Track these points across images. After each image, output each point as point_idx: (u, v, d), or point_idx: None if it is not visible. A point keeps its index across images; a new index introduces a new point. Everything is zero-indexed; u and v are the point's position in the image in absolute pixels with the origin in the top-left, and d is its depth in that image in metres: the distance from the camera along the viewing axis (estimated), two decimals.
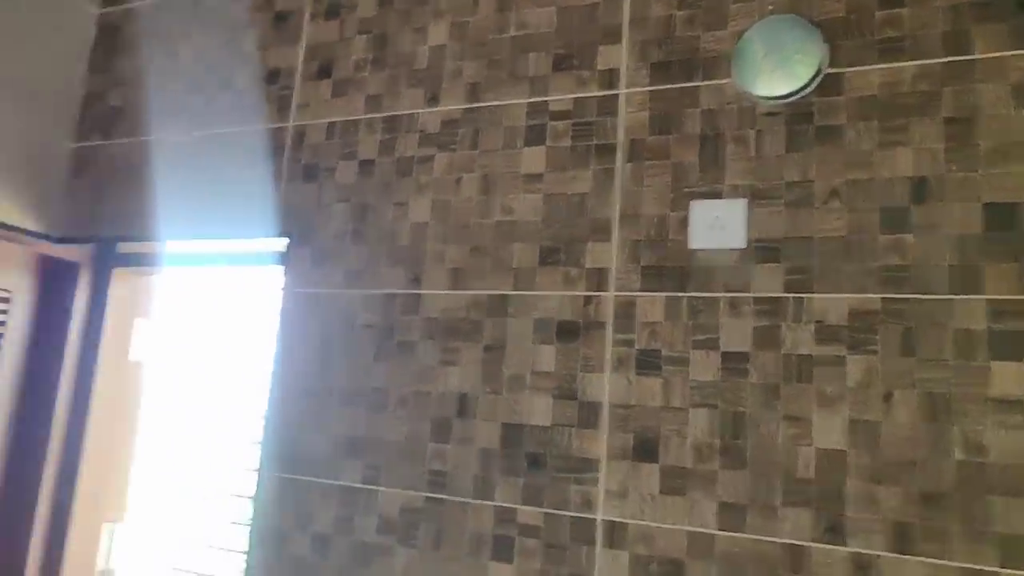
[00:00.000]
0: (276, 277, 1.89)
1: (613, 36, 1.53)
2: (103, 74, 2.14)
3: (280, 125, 1.82)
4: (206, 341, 2.17)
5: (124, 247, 2.12)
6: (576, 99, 1.53)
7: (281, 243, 1.81)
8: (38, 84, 2.08)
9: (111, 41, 2.15)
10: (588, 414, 1.43)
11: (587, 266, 1.47)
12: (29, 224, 2.07)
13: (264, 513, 1.68)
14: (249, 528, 1.71)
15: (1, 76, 2.00)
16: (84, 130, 2.13)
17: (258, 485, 1.70)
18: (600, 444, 1.42)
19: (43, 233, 2.10)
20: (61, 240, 2.11)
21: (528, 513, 1.45)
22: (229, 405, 2.05)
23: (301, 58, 1.82)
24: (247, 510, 1.84)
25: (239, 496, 1.96)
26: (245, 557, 1.72)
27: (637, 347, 1.41)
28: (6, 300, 2.10)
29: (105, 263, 2.15)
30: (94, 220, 2.08)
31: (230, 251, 1.96)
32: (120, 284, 2.17)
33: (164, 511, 2.15)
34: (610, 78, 1.50)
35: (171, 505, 2.12)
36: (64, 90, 2.14)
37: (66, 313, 2.16)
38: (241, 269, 2.00)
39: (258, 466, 1.72)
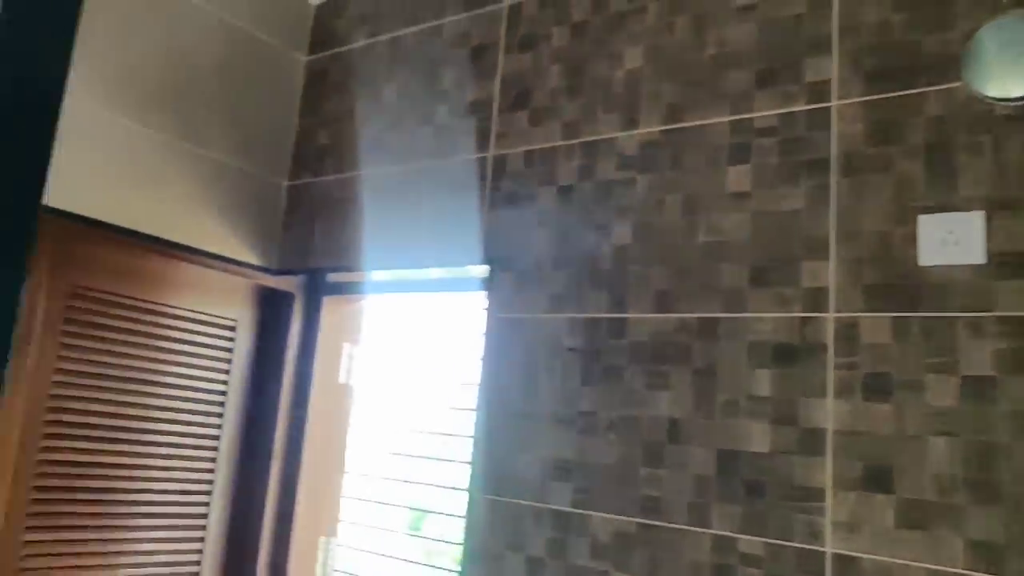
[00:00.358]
0: (480, 302, 1.96)
1: (821, 47, 1.47)
2: (312, 116, 2.30)
3: (480, 155, 1.89)
4: (412, 364, 2.27)
5: (333, 276, 2.27)
6: (782, 115, 1.48)
7: (484, 270, 1.87)
8: (256, 129, 2.28)
9: (319, 85, 2.31)
10: (810, 441, 1.38)
11: (803, 286, 1.41)
12: (251, 259, 2.26)
13: (477, 533, 1.73)
14: (462, 547, 1.77)
15: (225, 125, 2.20)
16: (296, 169, 2.30)
17: (469, 506, 1.76)
18: (825, 473, 1.35)
19: (262, 266, 2.29)
20: (278, 272, 2.28)
21: (749, 542, 1.41)
22: (435, 426, 2.14)
23: (498, 90, 1.88)
24: (453, 528, 1.91)
25: (445, 515, 2.04)
26: (457, 574, 1.78)
27: (863, 370, 1.34)
28: (233, 328, 2.30)
29: (316, 292, 2.31)
30: (306, 252, 2.24)
31: (434, 278, 2.05)
32: (330, 311, 2.32)
33: (374, 527, 2.26)
34: (819, 91, 1.44)
35: (380, 521, 2.24)
36: (278, 133, 2.33)
37: (283, 339, 2.33)
38: (445, 294, 2.08)
39: (468, 487, 1.78)
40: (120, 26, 2.00)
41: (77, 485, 2.05)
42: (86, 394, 2.05)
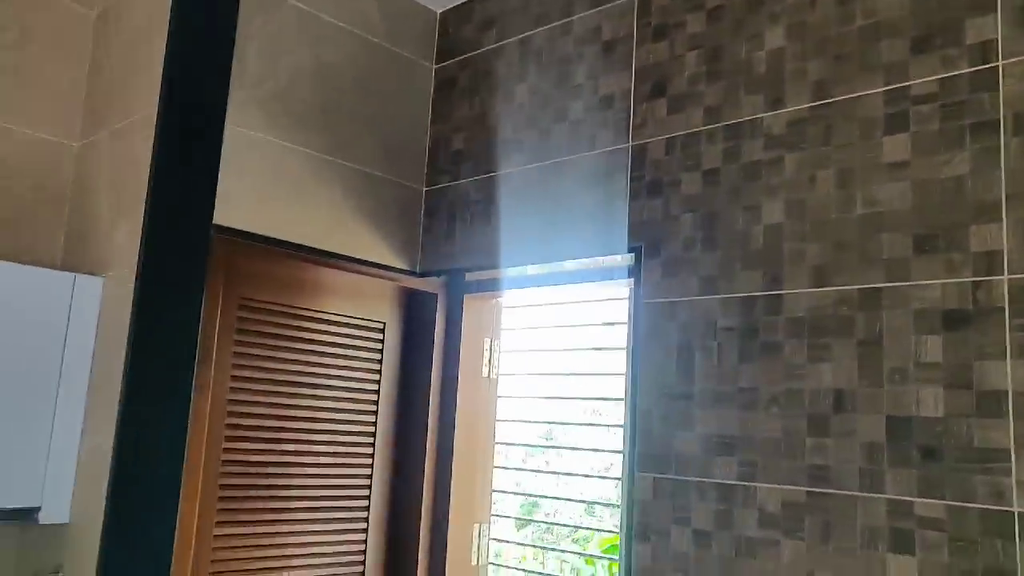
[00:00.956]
0: (623, 290, 2.01)
1: (983, 6, 1.46)
2: (444, 122, 2.41)
3: (619, 147, 1.95)
4: (553, 355, 2.35)
5: (472, 275, 2.37)
6: (942, 79, 1.48)
7: (627, 258, 1.93)
8: (393, 138, 2.40)
9: (449, 91, 2.41)
10: (989, 403, 1.38)
11: (972, 250, 1.41)
12: (395, 263, 2.38)
13: (639, 512, 1.79)
14: (625, 527, 1.83)
15: (365, 136, 2.33)
16: (433, 174, 2.41)
17: (629, 486, 1.82)
18: (1007, 434, 1.36)
19: (406, 269, 2.40)
20: (421, 275, 2.40)
21: (927, 505, 1.43)
22: (579, 414, 2.21)
23: (633, 81, 1.94)
24: (604, 511, 1.98)
25: (595, 501, 2.11)
26: (620, 556, 1.84)
27: None
28: (382, 330, 2.42)
29: (457, 291, 2.42)
30: (446, 254, 2.34)
31: (572, 270, 2.12)
32: (471, 309, 2.42)
33: (524, 512, 2.35)
34: (983, 51, 1.44)
35: (530, 507, 2.33)
36: (413, 140, 2.44)
37: (428, 338, 2.45)
38: (583, 287, 2.15)
39: (626, 468, 1.84)
40: (271, 51, 2.15)
41: (254, 483, 2.21)
42: (257, 398, 2.20)
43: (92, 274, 1.95)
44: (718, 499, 1.68)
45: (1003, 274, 1.38)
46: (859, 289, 1.54)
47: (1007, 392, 1.36)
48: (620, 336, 2.00)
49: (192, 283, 1.95)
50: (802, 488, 1.57)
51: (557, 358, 2.32)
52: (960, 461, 1.40)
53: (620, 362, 1.96)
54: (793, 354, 1.61)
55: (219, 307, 2.11)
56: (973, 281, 1.41)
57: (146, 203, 1.83)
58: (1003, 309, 1.38)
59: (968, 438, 1.40)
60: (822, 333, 1.57)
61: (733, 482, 1.66)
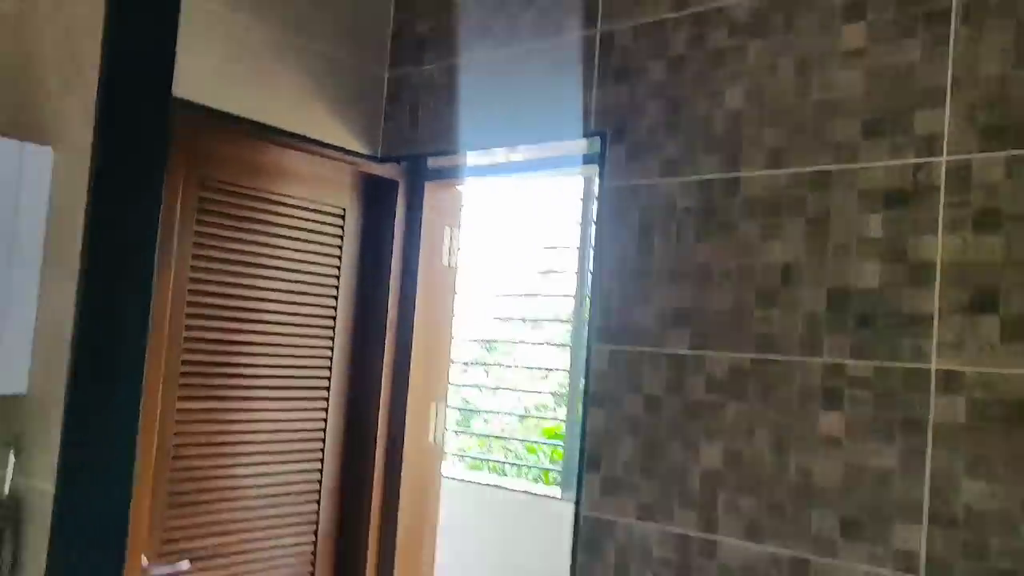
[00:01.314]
0: (584, 177, 2.10)
1: None
2: (409, 6, 2.40)
3: (587, 33, 2.00)
4: (511, 243, 2.44)
5: (434, 162, 2.41)
6: None
7: (591, 145, 2.01)
8: (356, 21, 2.38)
9: None
10: (919, 274, 1.53)
11: (916, 133, 1.54)
12: (357, 147, 2.40)
13: (596, 380, 1.93)
14: (583, 395, 1.97)
15: (330, 19, 2.31)
16: (397, 58, 2.42)
17: (588, 356, 1.95)
18: (932, 301, 1.52)
19: (368, 154, 2.43)
20: (382, 160, 2.43)
21: (858, 366, 1.59)
22: (535, 295, 2.31)
23: None
24: (561, 381, 2.11)
25: (552, 369, 2.24)
26: (580, 421, 1.98)
27: (973, 207, 1.48)
28: (342, 215, 2.46)
29: (419, 178, 2.46)
30: (407, 140, 2.38)
31: (535, 159, 2.19)
32: (432, 196, 2.47)
33: (480, 388, 2.48)
34: None
35: (486, 382, 2.45)
36: (377, 23, 2.44)
37: (389, 225, 2.50)
38: (541, 176, 2.23)
39: (587, 338, 1.97)
40: None
41: (215, 360, 2.25)
42: (219, 278, 2.23)
43: (42, 144, 1.90)
44: (669, 367, 1.82)
45: (942, 155, 1.52)
46: (810, 171, 1.66)
47: (935, 263, 1.52)
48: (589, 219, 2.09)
49: (153, 157, 1.93)
50: (748, 355, 1.72)
51: (517, 244, 2.41)
52: (890, 327, 1.56)
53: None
54: (747, 233, 1.73)
55: (180, 185, 2.11)
56: (915, 163, 1.55)
57: (100, 72, 1.79)
58: (939, 188, 1.52)
59: (898, 306, 1.56)
60: (775, 213, 1.70)
61: (685, 352, 1.80)
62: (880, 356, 1.57)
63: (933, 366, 1.52)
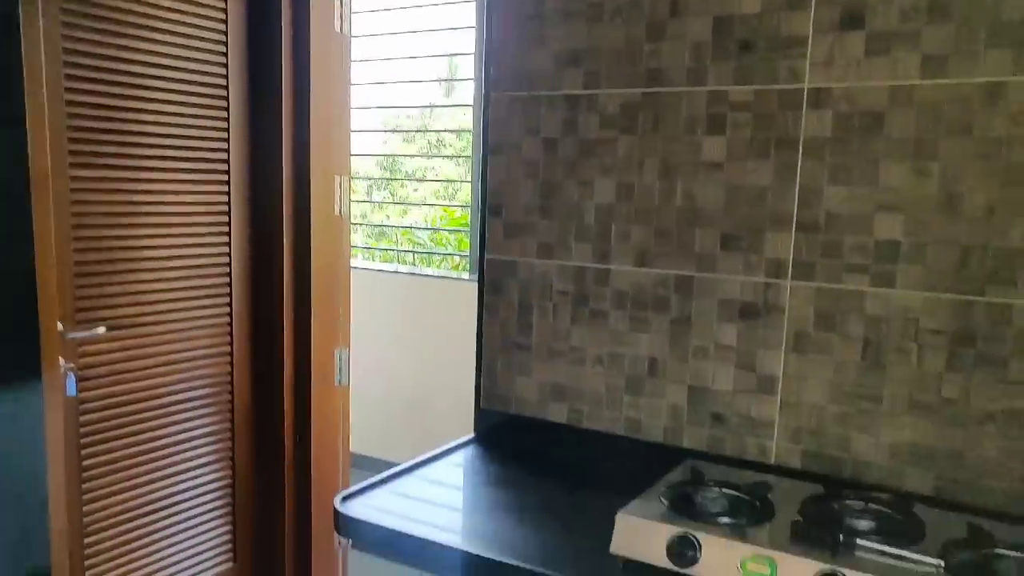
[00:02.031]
0: None
1: None
2: None
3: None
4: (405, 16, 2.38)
5: None
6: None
7: None
8: None
9: None
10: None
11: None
12: None
13: (494, 130, 1.98)
14: (482, 141, 2.02)
15: None
16: None
17: (486, 104, 1.99)
18: (807, 22, 1.60)
19: None
20: None
21: (739, 92, 1.69)
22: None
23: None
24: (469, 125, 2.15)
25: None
26: (480, 165, 2.05)
27: None
28: None
29: None
30: None
31: None
32: None
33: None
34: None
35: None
36: None
37: None
38: None
39: (484, 86, 2.00)
40: None
41: (105, 127, 2.19)
42: (97, 38, 2.12)
43: None
44: (565, 108, 1.88)
45: None
46: None
47: None
48: None
49: None
50: (639, 89, 1.79)
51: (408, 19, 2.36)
52: (770, 50, 1.65)
53: None
54: None
55: None
56: None
57: None
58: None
59: (776, 29, 1.64)
60: None
61: (579, 92, 1.86)
62: (759, 80, 1.67)
63: (806, 85, 1.62)
